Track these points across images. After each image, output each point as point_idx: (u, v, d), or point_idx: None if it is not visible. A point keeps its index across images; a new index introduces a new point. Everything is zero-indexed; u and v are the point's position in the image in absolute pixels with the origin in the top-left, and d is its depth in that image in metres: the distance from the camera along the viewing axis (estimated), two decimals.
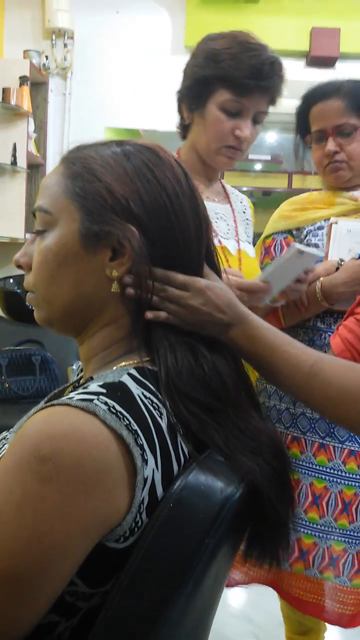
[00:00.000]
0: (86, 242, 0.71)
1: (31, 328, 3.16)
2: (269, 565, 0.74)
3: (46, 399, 0.88)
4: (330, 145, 1.47)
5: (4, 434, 0.82)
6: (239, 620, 2.18)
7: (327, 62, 3.72)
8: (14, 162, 3.38)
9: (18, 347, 2.98)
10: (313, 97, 1.55)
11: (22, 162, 3.41)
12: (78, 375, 0.91)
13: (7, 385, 2.83)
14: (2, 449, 0.75)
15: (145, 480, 0.61)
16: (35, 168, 3.71)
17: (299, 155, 1.62)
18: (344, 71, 3.73)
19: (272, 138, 4.64)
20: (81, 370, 0.90)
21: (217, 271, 0.82)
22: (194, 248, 0.75)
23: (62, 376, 2.97)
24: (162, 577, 0.60)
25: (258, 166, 6.55)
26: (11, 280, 3.35)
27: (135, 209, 0.70)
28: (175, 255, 0.74)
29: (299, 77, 3.76)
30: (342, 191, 1.55)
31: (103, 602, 0.62)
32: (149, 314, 0.73)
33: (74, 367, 2.97)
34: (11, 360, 2.88)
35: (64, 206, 0.72)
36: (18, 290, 3.29)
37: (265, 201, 5.97)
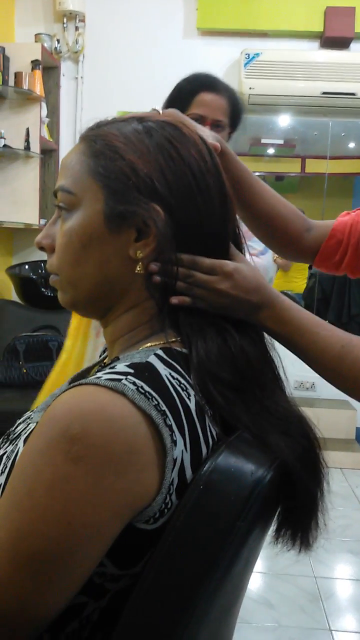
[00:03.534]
0: (111, 223, 0.69)
1: (47, 314, 3.17)
2: (298, 549, 0.73)
3: (70, 379, 0.87)
4: None
5: (28, 413, 0.81)
6: (259, 605, 2.19)
7: (341, 43, 3.66)
8: (27, 147, 3.37)
9: (35, 333, 3.00)
10: (205, 84, 1.68)
11: (35, 148, 3.40)
12: (101, 356, 0.90)
13: (24, 370, 2.85)
14: (27, 428, 0.74)
15: (175, 461, 0.60)
16: (48, 153, 3.69)
17: None
18: (359, 52, 3.67)
19: (285, 122, 4.57)
20: (104, 352, 0.89)
21: (242, 252, 0.80)
22: (220, 227, 0.74)
23: None
24: (193, 559, 0.59)
25: (271, 150, 6.49)
26: (26, 267, 3.36)
27: (159, 188, 0.69)
28: (200, 235, 0.72)
29: (313, 59, 3.71)
30: None
31: (131, 584, 0.62)
32: (174, 300, 0.71)
33: None
34: (28, 346, 2.89)
35: (87, 186, 0.70)
36: (33, 277, 3.30)
37: (278, 186, 5.91)
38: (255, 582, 2.35)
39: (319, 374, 0.81)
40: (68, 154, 0.74)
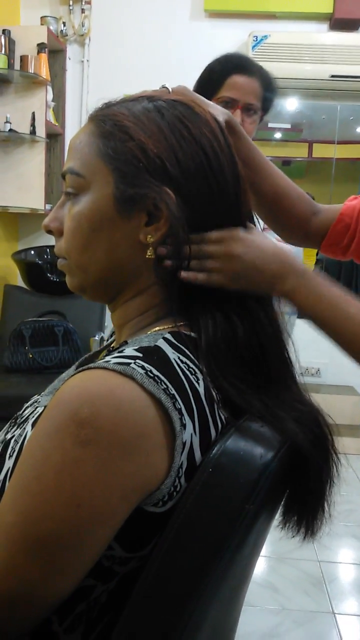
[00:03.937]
0: (121, 207, 0.68)
1: (53, 299, 3.17)
2: (303, 536, 0.73)
3: (78, 363, 0.87)
4: (237, 116, 1.59)
5: (35, 397, 0.81)
6: (264, 589, 2.20)
7: (351, 24, 3.61)
8: (33, 132, 3.34)
9: (41, 319, 3.00)
10: (237, 66, 1.61)
11: (41, 132, 3.37)
12: (108, 340, 0.89)
13: (30, 356, 2.85)
14: (35, 412, 0.74)
15: (184, 444, 0.60)
16: (54, 137, 3.67)
17: None
18: None
19: (293, 105, 4.52)
20: (111, 336, 0.88)
21: None
22: (233, 210, 0.72)
23: (85, 347, 2.98)
24: (202, 542, 0.59)
25: (278, 135, 6.43)
26: (32, 252, 3.35)
27: (170, 169, 0.67)
28: (214, 217, 0.71)
29: (321, 41, 3.66)
30: None
31: (139, 566, 0.62)
32: (184, 274, 0.69)
33: (96, 337, 2.98)
34: (34, 331, 2.90)
35: (96, 169, 0.69)
36: (39, 262, 3.29)
37: (285, 171, 5.84)
38: (260, 565, 2.37)
39: (346, 353, 0.78)
40: (76, 134, 0.73)
